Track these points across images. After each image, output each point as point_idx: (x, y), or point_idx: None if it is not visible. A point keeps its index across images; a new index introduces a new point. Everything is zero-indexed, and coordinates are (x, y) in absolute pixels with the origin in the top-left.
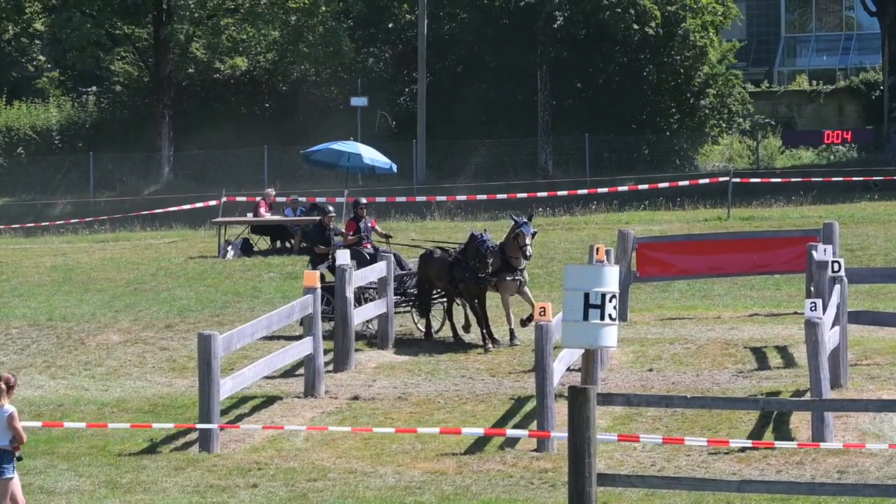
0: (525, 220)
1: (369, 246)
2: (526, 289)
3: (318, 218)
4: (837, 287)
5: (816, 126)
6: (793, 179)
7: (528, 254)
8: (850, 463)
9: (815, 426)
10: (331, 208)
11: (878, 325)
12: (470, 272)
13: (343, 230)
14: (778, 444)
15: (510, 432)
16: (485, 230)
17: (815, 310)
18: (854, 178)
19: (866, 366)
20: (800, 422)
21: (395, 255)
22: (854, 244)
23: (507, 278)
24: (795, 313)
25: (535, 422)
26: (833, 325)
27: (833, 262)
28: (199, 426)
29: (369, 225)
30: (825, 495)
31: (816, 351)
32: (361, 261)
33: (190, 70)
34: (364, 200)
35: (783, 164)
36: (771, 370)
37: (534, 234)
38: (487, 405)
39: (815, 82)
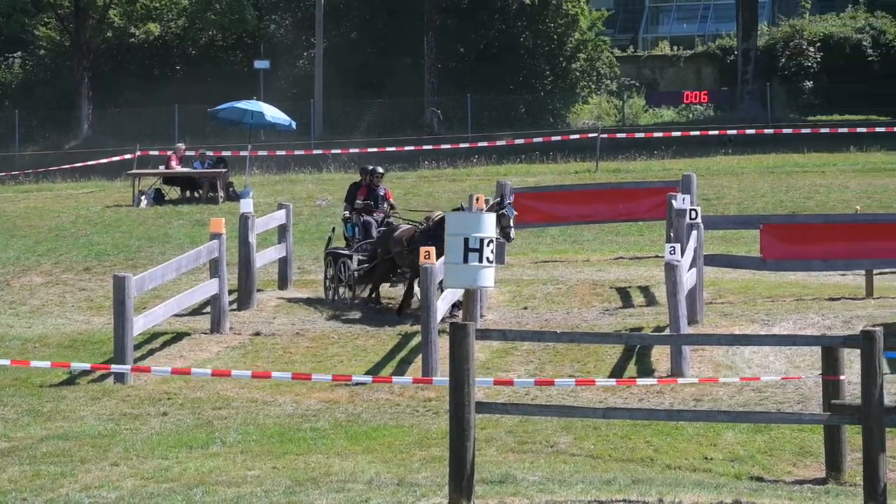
0: (509, 201)
1: (380, 215)
2: None
3: (219, 170)
4: (694, 233)
5: (677, 87)
6: (655, 135)
7: (511, 236)
8: (705, 392)
9: (674, 359)
10: (380, 169)
11: (731, 267)
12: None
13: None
14: (640, 380)
15: (396, 380)
16: (462, 205)
17: (674, 253)
18: (710, 134)
19: (720, 304)
20: (660, 355)
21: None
22: (710, 194)
23: None
24: (657, 256)
25: (421, 355)
26: (690, 268)
27: (691, 210)
28: (113, 368)
29: (382, 194)
30: (682, 420)
31: (675, 290)
32: (368, 229)
33: (108, 35)
34: (380, 170)
35: (646, 121)
36: (634, 308)
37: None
38: (377, 340)
39: (675, 48)
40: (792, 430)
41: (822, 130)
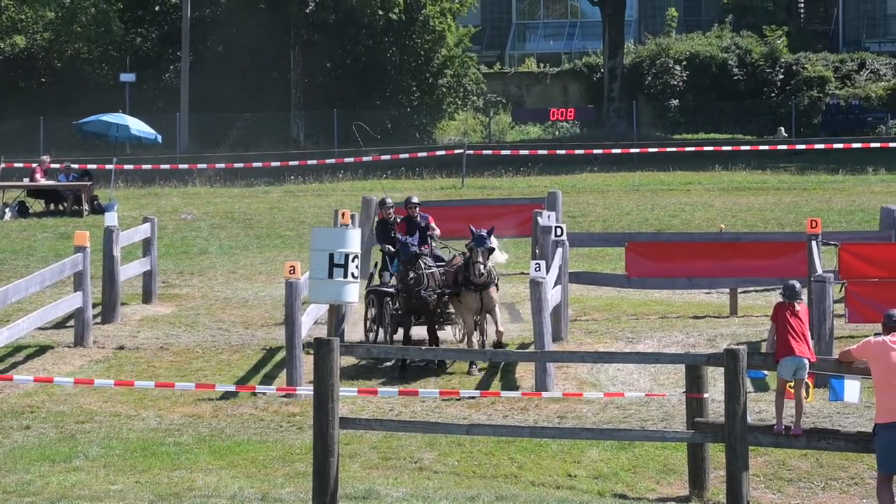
0: (483, 232)
1: (427, 249)
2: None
3: (84, 183)
4: (560, 250)
5: (543, 104)
6: (521, 152)
7: (479, 272)
8: (569, 409)
9: (539, 375)
10: (389, 200)
11: (596, 285)
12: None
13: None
14: (504, 394)
15: (259, 388)
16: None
17: (539, 270)
18: (576, 152)
19: (585, 321)
20: (525, 371)
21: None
22: (575, 211)
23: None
24: (522, 273)
25: (285, 370)
26: (555, 285)
27: (556, 227)
28: None
29: (424, 225)
30: (546, 437)
31: (540, 307)
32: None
33: None
34: (415, 199)
35: (513, 138)
36: None
37: (490, 251)
38: (242, 355)
39: (542, 65)
40: (656, 447)
41: (688, 149)
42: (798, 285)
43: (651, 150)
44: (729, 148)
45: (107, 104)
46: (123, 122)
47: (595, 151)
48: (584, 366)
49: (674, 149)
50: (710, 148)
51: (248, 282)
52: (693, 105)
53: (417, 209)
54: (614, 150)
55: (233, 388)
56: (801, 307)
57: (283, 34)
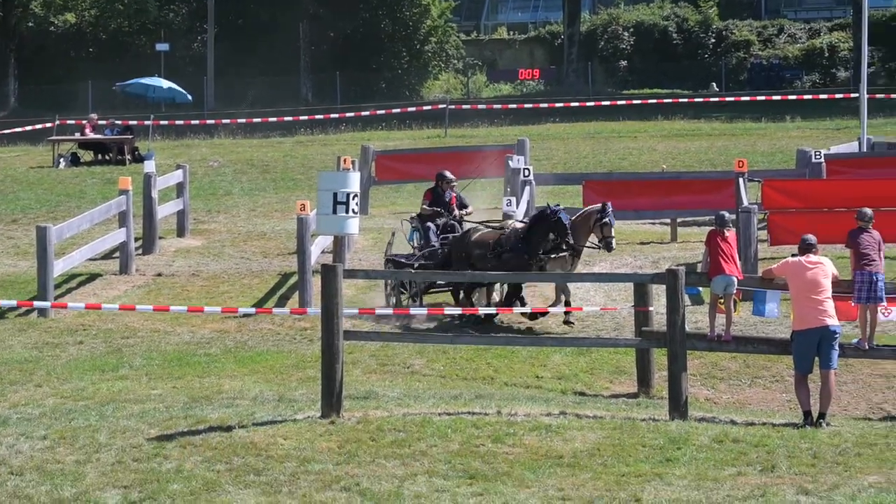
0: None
1: (441, 220)
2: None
3: (126, 137)
4: (527, 188)
5: (513, 66)
6: (495, 106)
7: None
8: (536, 322)
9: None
10: (448, 174)
11: None
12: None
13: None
14: (481, 310)
15: (276, 310)
16: (557, 204)
17: (511, 205)
18: (541, 105)
19: None
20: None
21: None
22: (541, 155)
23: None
24: (495, 208)
25: (297, 292)
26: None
27: (524, 169)
28: (36, 304)
29: (448, 200)
30: (518, 346)
31: None
32: (428, 234)
33: (30, 24)
34: (449, 175)
35: (487, 94)
36: None
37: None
38: (261, 279)
39: (512, 33)
40: (609, 352)
41: (635, 102)
42: (727, 215)
43: (604, 103)
44: (669, 100)
45: (145, 70)
46: (159, 85)
47: (557, 105)
48: (549, 285)
49: (623, 102)
50: (654, 101)
51: (265, 218)
52: (639, 65)
53: (447, 184)
54: (573, 104)
55: (252, 311)
56: (730, 234)
57: (293, 8)
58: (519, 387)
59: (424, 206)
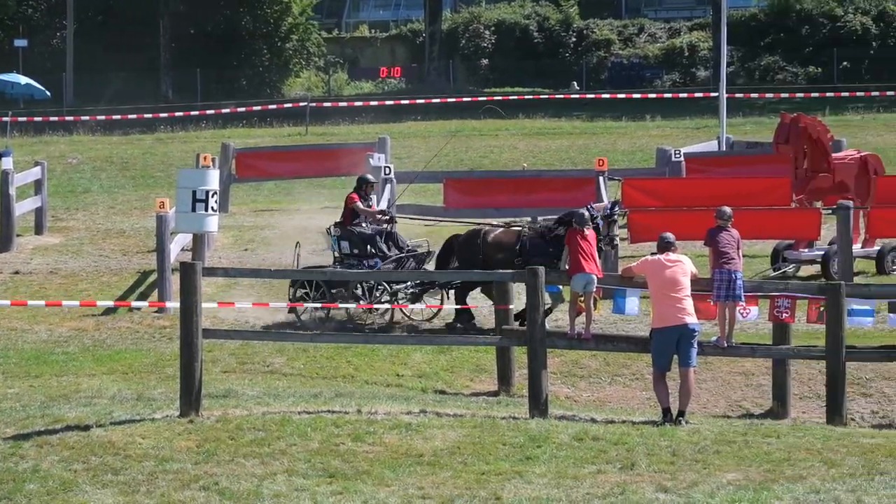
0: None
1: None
2: None
3: None
4: (388, 186)
5: (375, 64)
6: (356, 104)
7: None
8: (396, 319)
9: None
10: (370, 176)
11: (420, 215)
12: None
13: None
14: (341, 304)
15: (134, 303)
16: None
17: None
18: (402, 103)
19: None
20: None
21: (394, 233)
22: (402, 154)
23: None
24: None
25: (157, 290)
26: None
27: (385, 167)
28: None
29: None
30: (378, 343)
31: None
32: (366, 241)
33: None
34: (371, 178)
35: (349, 92)
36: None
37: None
38: (120, 277)
39: (373, 30)
40: (469, 350)
41: (497, 99)
42: (587, 214)
43: (465, 99)
44: (531, 97)
45: (2, 66)
46: (17, 81)
47: (418, 102)
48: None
49: (484, 99)
50: (515, 97)
51: (125, 216)
52: (500, 64)
53: (371, 189)
54: (434, 101)
55: (111, 304)
56: (590, 232)
57: (153, 4)
58: (379, 385)
59: (361, 208)
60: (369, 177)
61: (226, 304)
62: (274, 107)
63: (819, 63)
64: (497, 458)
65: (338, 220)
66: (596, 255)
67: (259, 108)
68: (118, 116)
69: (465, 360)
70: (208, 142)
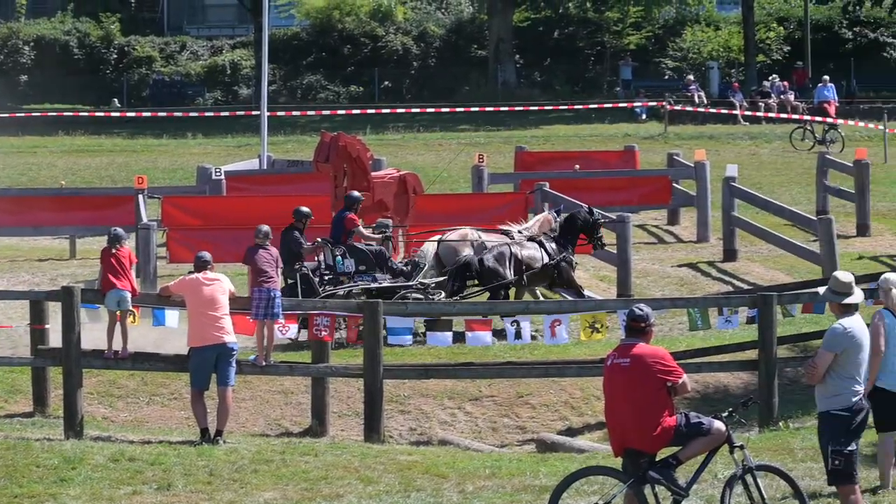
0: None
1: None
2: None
3: None
4: None
5: None
6: None
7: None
8: None
9: None
10: (304, 208)
11: None
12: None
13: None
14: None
15: None
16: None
17: None
18: None
19: None
20: None
21: (381, 251)
22: None
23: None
24: None
25: None
26: None
27: None
28: None
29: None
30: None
31: None
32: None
33: None
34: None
35: None
36: None
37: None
38: None
39: None
40: (4, 371)
41: (34, 114)
42: (120, 231)
43: (3, 116)
44: (70, 114)
45: None
46: None
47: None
48: None
49: (23, 115)
50: (54, 114)
51: None
52: (41, 80)
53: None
54: None
55: None
56: (124, 250)
57: None
58: None
59: (367, 232)
60: (355, 193)
61: None
62: None
63: (361, 82)
64: (30, 481)
65: (324, 238)
66: (130, 272)
67: None
68: None
69: (1, 381)
70: None
